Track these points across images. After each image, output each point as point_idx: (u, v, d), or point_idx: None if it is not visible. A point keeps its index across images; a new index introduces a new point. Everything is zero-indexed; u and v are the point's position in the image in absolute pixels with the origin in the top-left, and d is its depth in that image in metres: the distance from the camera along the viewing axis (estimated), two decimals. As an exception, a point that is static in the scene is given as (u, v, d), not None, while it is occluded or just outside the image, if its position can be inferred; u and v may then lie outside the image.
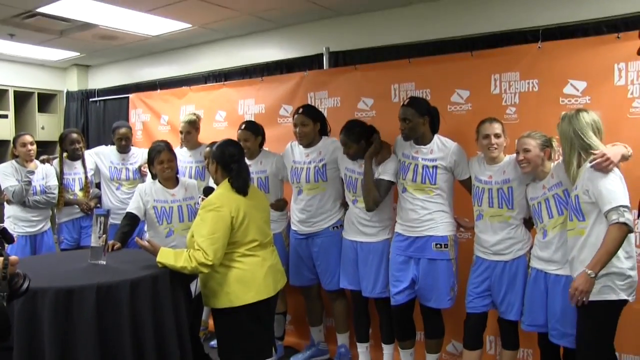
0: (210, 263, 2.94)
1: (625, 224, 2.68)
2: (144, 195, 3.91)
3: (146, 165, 4.30)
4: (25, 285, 1.72)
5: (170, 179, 3.98)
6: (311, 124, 4.07)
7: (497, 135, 3.37)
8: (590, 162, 2.82)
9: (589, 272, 2.72)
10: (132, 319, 2.69)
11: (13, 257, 1.67)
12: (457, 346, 4.04)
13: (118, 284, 2.71)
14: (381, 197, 3.70)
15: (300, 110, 4.13)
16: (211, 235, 2.97)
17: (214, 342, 4.31)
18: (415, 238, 3.63)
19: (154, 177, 4.03)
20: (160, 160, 3.89)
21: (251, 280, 3.13)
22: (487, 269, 3.44)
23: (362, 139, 3.81)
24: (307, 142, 4.11)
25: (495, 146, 3.37)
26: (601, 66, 3.57)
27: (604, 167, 2.78)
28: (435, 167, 3.59)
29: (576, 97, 3.67)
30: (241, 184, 3.19)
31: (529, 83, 3.85)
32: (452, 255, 3.62)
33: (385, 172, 3.73)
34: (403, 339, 3.86)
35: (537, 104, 3.81)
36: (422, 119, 3.61)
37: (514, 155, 3.33)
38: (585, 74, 3.64)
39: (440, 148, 3.63)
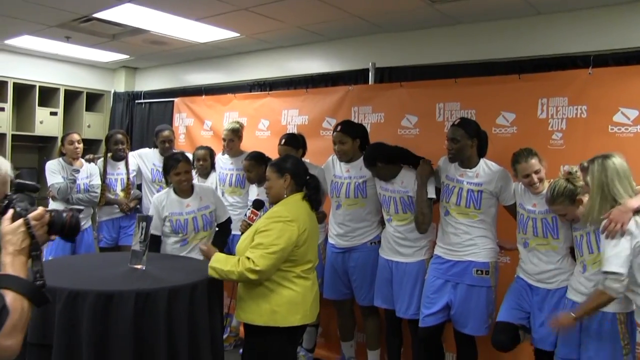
0: (257, 269, 2.84)
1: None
2: (160, 208, 3.91)
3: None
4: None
5: (186, 190, 3.98)
6: (350, 141, 4.02)
7: (536, 172, 3.28)
8: (601, 230, 2.79)
9: None
10: (169, 327, 2.72)
11: (36, 213, 1.64)
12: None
13: (157, 291, 2.73)
14: (430, 217, 3.71)
15: (339, 127, 4.09)
16: (270, 245, 2.89)
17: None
18: (456, 262, 3.58)
19: (168, 184, 4.04)
20: (177, 172, 3.87)
21: (301, 303, 3.05)
22: (528, 290, 3.36)
23: (397, 163, 3.82)
24: (346, 159, 4.09)
25: (537, 183, 3.30)
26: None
27: (611, 233, 2.73)
28: (481, 191, 3.53)
29: (627, 126, 3.60)
30: (319, 198, 3.20)
31: (577, 109, 3.79)
32: (492, 283, 3.55)
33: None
34: None
35: (585, 130, 3.74)
36: (471, 141, 3.55)
37: None
38: (638, 102, 3.56)
39: (487, 172, 3.56)
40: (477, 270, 3.52)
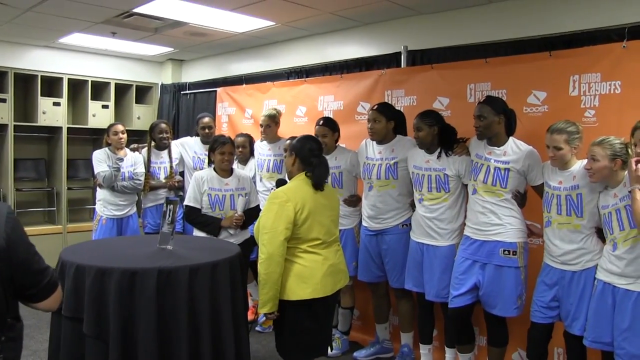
0: (263, 257, 3.01)
1: None
2: (200, 183, 4.19)
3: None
4: None
5: (226, 170, 4.26)
6: (383, 121, 4.10)
7: (557, 148, 3.21)
8: None
9: None
10: (190, 303, 2.82)
11: None
12: (524, 355, 3.89)
13: (178, 268, 2.84)
14: None
15: (375, 106, 4.18)
16: (272, 229, 3.02)
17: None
18: (483, 242, 3.54)
19: (209, 163, 4.36)
20: (222, 152, 4.18)
21: (309, 277, 3.12)
22: (555, 278, 3.29)
23: (435, 126, 3.82)
24: (378, 138, 4.14)
25: (554, 158, 3.25)
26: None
27: None
28: (508, 169, 3.49)
29: (663, 101, 3.47)
30: (319, 178, 3.21)
31: (610, 85, 3.66)
32: (521, 263, 3.49)
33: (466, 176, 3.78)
34: (461, 343, 3.80)
35: (618, 107, 3.60)
36: (498, 118, 3.52)
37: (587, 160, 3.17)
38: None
39: (515, 151, 3.51)
40: (504, 251, 3.48)
